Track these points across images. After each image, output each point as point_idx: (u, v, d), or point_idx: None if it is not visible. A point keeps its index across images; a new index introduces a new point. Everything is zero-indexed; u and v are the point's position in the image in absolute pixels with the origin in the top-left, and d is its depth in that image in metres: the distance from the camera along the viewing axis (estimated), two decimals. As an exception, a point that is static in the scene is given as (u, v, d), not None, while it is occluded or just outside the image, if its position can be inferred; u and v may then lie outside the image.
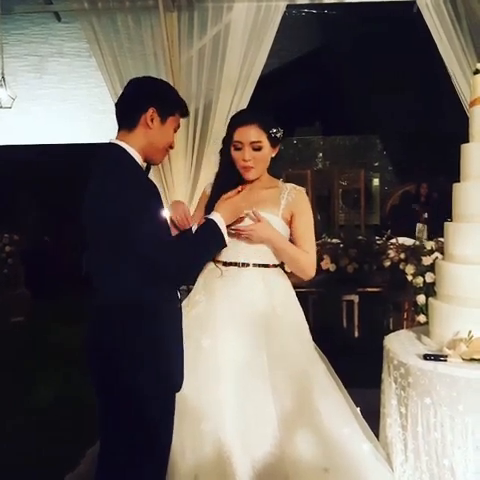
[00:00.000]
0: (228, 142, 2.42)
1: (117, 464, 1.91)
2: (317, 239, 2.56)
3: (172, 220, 2.38)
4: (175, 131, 2.05)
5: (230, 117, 2.54)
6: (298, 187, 2.52)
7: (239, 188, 2.24)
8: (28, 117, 8.83)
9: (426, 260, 4.67)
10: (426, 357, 2.43)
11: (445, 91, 4.97)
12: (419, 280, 4.65)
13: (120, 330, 1.86)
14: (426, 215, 6.34)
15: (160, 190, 4.49)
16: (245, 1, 4.69)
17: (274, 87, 7.24)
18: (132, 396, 1.85)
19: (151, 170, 2.10)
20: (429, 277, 4.53)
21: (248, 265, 2.40)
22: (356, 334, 5.65)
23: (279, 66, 8.20)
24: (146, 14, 4.80)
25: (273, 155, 2.45)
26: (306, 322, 2.49)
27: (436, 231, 4.38)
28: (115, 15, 4.84)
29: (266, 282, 2.40)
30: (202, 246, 2.02)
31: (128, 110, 1.98)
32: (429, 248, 4.79)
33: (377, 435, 2.63)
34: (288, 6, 4.81)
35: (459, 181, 2.83)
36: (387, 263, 5.20)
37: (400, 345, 2.70)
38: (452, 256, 2.74)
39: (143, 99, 1.96)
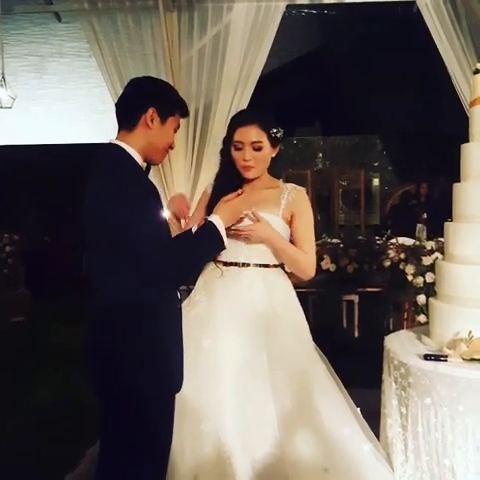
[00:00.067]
0: (228, 142, 2.42)
1: (117, 464, 1.91)
2: (317, 239, 2.56)
3: (173, 214, 2.41)
4: (175, 131, 2.05)
5: (230, 117, 2.55)
6: (298, 187, 2.52)
7: (239, 191, 2.23)
8: (28, 117, 8.83)
9: (426, 260, 4.67)
10: (426, 357, 2.43)
11: (445, 91, 4.97)
12: (419, 280, 4.65)
13: (120, 330, 1.85)
14: (425, 215, 6.34)
15: (160, 190, 4.51)
16: (245, 1, 4.69)
17: (274, 87, 7.24)
18: (132, 396, 1.85)
19: (151, 170, 2.10)
20: (429, 277, 4.53)
21: (248, 265, 2.40)
22: (356, 334, 5.65)
23: (279, 66, 8.20)
24: (146, 14, 4.80)
25: (273, 155, 2.46)
26: (306, 322, 2.49)
27: (436, 231, 4.38)
28: (115, 15, 4.84)
29: (266, 282, 2.40)
30: (201, 248, 2.02)
31: (128, 110, 1.98)
32: (429, 248, 4.80)
33: (377, 435, 2.63)
34: (288, 6, 4.81)
35: (459, 181, 2.83)
36: (387, 263, 5.20)
37: (400, 345, 2.70)
38: (452, 256, 2.74)
39: (143, 99, 1.96)
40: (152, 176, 2.19)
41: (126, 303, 1.85)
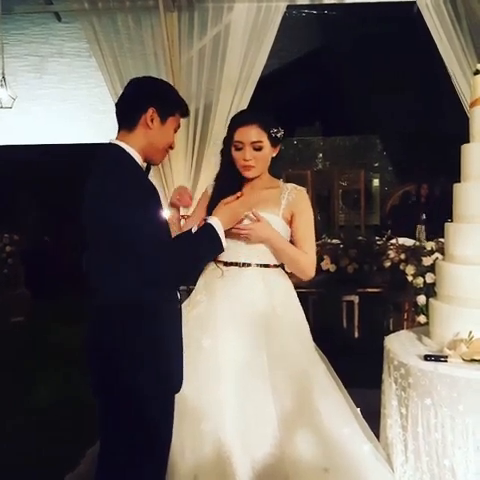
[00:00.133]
0: (229, 142, 2.42)
1: (117, 464, 1.91)
2: (317, 239, 2.56)
3: (174, 204, 2.42)
4: (175, 131, 2.05)
5: (230, 118, 2.55)
6: (299, 187, 2.52)
7: (238, 194, 2.23)
8: (28, 117, 8.83)
9: (426, 260, 4.67)
10: (426, 358, 2.42)
11: (445, 91, 4.97)
12: (419, 280, 4.66)
13: (120, 330, 1.85)
14: (424, 216, 6.34)
15: (160, 190, 4.51)
16: (245, 1, 4.69)
17: (274, 87, 7.24)
18: (132, 396, 1.85)
19: (151, 170, 2.10)
20: (429, 278, 4.53)
21: (249, 265, 2.40)
22: (356, 334, 5.64)
23: (279, 66, 8.20)
24: (146, 14, 4.81)
25: (274, 155, 2.46)
26: (306, 322, 2.49)
27: (436, 231, 4.38)
28: (115, 15, 4.85)
29: (266, 282, 2.40)
30: (200, 249, 2.01)
31: (128, 110, 1.98)
32: (429, 248, 4.80)
33: (377, 435, 2.63)
34: (288, 7, 4.82)
35: (459, 181, 2.83)
36: (387, 263, 5.20)
37: (400, 346, 2.69)
38: (452, 257, 2.74)
39: (143, 99, 1.96)
40: (152, 176, 2.19)
41: (126, 303, 1.85)
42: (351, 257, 5.49)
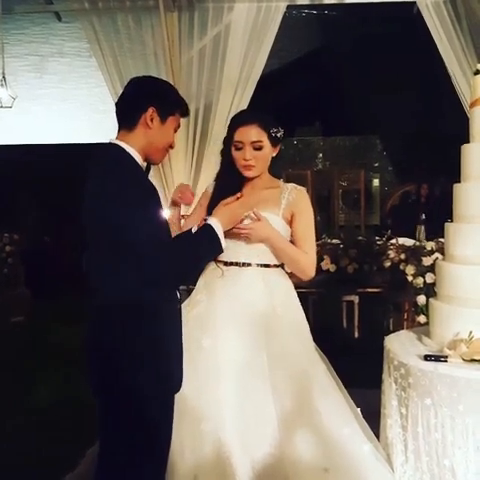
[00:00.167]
0: (229, 142, 2.43)
1: (117, 464, 1.91)
2: (317, 239, 2.56)
3: (176, 202, 2.42)
4: (175, 131, 2.04)
5: (230, 118, 2.55)
6: (299, 187, 2.52)
7: (238, 195, 2.23)
8: (28, 117, 8.83)
9: (426, 260, 4.67)
10: (426, 358, 2.42)
11: (445, 91, 4.97)
12: (419, 281, 4.66)
13: (120, 330, 1.85)
14: (423, 216, 6.34)
15: (160, 190, 4.51)
16: (246, 1, 4.69)
17: (274, 87, 7.24)
18: (132, 396, 1.85)
19: (151, 170, 2.10)
20: (429, 278, 4.53)
21: (249, 265, 2.40)
22: (356, 334, 5.64)
23: (279, 66, 8.20)
24: (147, 14, 4.81)
25: (274, 155, 2.46)
26: (307, 322, 2.49)
27: (436, 232, 4.38)
28: (116, 15, 4.85)
29: (266, 282, 2.40)
30: (199, 250, 2.01)
31: (128, 109, 1.98)
32: (429, 249, 4.80)
33: (377, 435, 2.63)
34: (288, 7, 4.82)
35: (459, 182, 2.83)
36: (387, 263, 5.20)
37: (400, 346, 2.69)
38: (452, 257, 2.74)
39: (143, 98, 1.96)
40: (152, 176, 2.19)
41: (126, 303, 1.85)
42: (351, 257, 5.49)
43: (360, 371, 3.25)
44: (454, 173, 2.90)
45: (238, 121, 2.44)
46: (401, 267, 4.91)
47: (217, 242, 2.02)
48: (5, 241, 7.32)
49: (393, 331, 3.55)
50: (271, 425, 2.23)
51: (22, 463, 3.22)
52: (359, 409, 2.54)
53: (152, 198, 1.90)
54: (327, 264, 5.45)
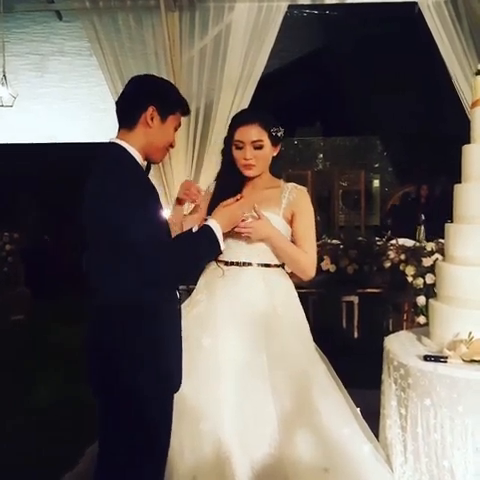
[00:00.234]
0: (229, 142, 2.43)
1: (116, 464, 1.91)
2: (317, 240, 2.56)
3: (182, 200, 2.40)
4: (176, 130, 2.04)
5: (231, 117, 2.55)
6: (300, 186, 2.52)
7: (237, 196, 2.22)
8: (29, 116, 8.82)
9: (426, 261, 4.67)
10: (426, 358, 2.43)
11: (446, 92, 4.96)
12: (419, 281, 4.66)
13: (120, 330, 1.85)
14: (423, 217, 6.34)
15: (160, 189, 4.50)
16: (246, 1, 4.69)
17: (275, 87, 7.24)
18: (132, 396, 1.85)
19: (151, 170, 2.09)
20: (429, 278, 4.53)
21: (250, 265, 2.40)
22: (356, 335, 5.64)
23: (280, 66, 8.19)
24: (147, 13, 4.81)
25: (274, 154, 2.46)
26: (307, 322, 2.49)
27: (436, 232, 4.38)
28: (116, 14, 4.85)
29: (267, 282, 2.40)
30: (199, 250, 2.01)
31: (128, 108, 1.97)
32: (429, 249, 4.80)
33: (377, 436, 2.63)
34: (289, 6, 4.81)
35: (460, 182, 2.83)
36: (387, 264, 5.20)
37: (400, 346, 2.70)
38: (452, 257, 2.74)
39: (143, 97, 1.95)
40: (152, 175, 2.18)
41: (126, 303, 1.85)
42: (351, 258, 5.49)
43: (360, 371, 3.24)
44: (454, 174, 2.90)
45: (239, 120, 2.44)
46: (401, 268, 4.91)
47: (216, 244, 2.01)
48: (5, 240, 7.32)
49: (393, 332, 3.54)
50: (271, 425, 2.23)
51: (22, 463, 3.22)
52: (359, 409, 2.54)
53: (152, 198, 1.89)
54: (327, 264, 5.44)
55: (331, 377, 2.45)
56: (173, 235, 2.09)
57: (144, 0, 4.78)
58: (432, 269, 4.32)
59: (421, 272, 4.68)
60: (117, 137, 1.97)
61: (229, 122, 2.50)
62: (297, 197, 2.47)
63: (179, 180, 4.69)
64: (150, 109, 1.93)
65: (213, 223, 2.04)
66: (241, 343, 2.31)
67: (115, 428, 1.89)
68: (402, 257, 5.02)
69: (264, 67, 4.79)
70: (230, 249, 2.35)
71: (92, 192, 1.90)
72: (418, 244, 5.16)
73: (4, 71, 6.17)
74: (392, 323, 5.50)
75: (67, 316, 6.00)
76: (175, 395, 1.98)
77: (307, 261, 2.45)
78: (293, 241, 2.46)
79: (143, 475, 1.91)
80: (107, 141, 1.98)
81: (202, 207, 2.48)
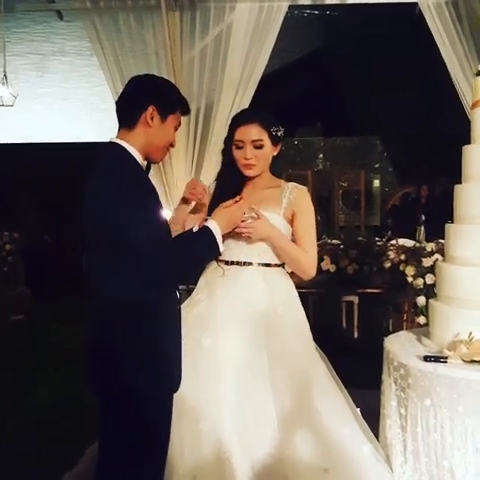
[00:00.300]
0: (229, 141, 2.43)
1: (116, 464, 1.91)
2: (317, 240, 2.56)
3: (187, 199, 2.39)
4: (176, 129, 2.03)
5: (231, 117, 2.55)
6: (300, 186, 2.52)
7: (237, 198, 2.22)
8: (29, 115, 8.82)
9: (426, 261, 4.67)
10: (426, 358, 2.43)
11: (446, 92, 4.96)
12: (419, 281, 4.66)
13: (120, 330, 1.85)
14: (423, 217, 6.35)
15: (160, 190, 4.50)
16: (247, 1, 4.69)
17: (275, 88, 7.24)
18: (132, 396, 1.85)
19: (151, 170, 2.09)
20: (429, 278, 4.53)
21: (250, 264, 2.40)
22: (356, 335, 5.64)
23: (280, 67, 8.19)
24: (148, 13, 4.81)
25: (274, 154, 2.46)
26: (307, 322, 2.49)
27: (436, 233, 4.38)
28: (117, 14, 4.85)
29: (267, 281, 2.40)
30: (198, 251, 2.01)
31: (128, 108, 1.97)
32: (429, 250, 4.80)
33: (377, 436, 2.63)
34: (290, 7, 4.81)
35: (460, 183, 2.83)
36: (387, 264, 5.20)
37: (400, 346, 2.70)
38: (453, 258, 2.74)
39: (143, 97, 1.95)
40: (152, 175, 2.18)
41: (126, 303, 1.85)
42: (351, 258, 5.49)
43: (360, 371, 3.24)
44: (455, 174, 2.90)
45: (239, 120, 2.44)
46: (401, 268, 4.92)
47: (215, 246, 2.01)
48: (5, 239, 7.31)
49: (392, 332, 3.54)
50: (271, 425, 2.23)
51: (22, 463, 3.22)
52: (359, 409, 2.55)
53: (152, 198, 1.90)
54: (327, 264, 5.44)
55: (331, 377, 2.45)
56: (174, 234, 2.09)
57: (145, 0, 4.78)
58: (432, 269, 4.32)
59: (421, 272, 4.68)
60: (117, 137, 1.97)
61: (229, 122, 2.50)
62: (298, 197, 2.47)
63: (179, 180, 4.70)
64: (150, 109, 1.93)
65: (212, 224, 2.04)
66: (241, 343, 2.31)
67: (115, 428, 1.89)
68: (402, 257, 5.03)
69: (265, 67, 4.79)
70: (230, 249, 2.36)
71: (92, 192, 1.90)
72: (418, 244, 5.16)
73: (5, 71, 6.17)
74: (392, 323, 5.50)
75: (67, 316, 5.99)
76: (175, 395, 1.98)
77: (307, 261, 2.45)
78: (293, 240, 2.47)
79: (143, 475, 1.91)
80: (107, 141, 1.98)
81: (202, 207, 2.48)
